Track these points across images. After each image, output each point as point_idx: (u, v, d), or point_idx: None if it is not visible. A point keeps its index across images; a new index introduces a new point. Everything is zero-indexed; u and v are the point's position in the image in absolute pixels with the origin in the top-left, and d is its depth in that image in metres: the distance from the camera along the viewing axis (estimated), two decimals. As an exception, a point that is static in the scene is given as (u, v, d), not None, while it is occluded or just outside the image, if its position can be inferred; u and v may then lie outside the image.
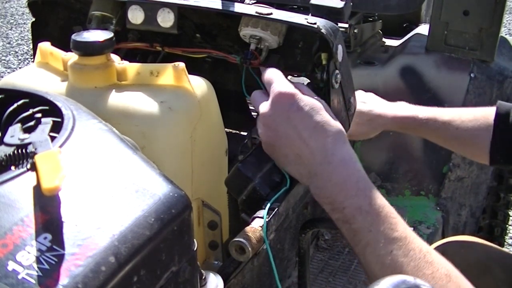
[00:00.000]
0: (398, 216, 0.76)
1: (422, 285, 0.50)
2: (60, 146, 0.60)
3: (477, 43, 1.65)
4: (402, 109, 1.21)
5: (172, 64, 0.84)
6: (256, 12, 0.95)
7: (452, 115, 1.17)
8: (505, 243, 2.12)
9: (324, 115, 0.80)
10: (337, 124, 0.81)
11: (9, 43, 4.69)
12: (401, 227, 0.74)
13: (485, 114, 1.14)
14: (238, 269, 0.89)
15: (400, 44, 1.87)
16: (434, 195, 1.75)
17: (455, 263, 0.74)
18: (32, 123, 0.66)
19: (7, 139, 0.61)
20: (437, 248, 0.92)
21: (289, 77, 0.94)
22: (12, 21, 5.22)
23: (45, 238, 0.49)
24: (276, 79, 0.83)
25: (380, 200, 0.76)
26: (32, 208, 0.52)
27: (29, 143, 0.60)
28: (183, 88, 0.85)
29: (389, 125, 1.20)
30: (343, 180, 0.77)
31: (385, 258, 0.72)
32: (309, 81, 0.86)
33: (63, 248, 0.49)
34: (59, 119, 0.66)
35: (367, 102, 1.20)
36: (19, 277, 0.46)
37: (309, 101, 0.80)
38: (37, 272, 0.47)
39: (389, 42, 1.97)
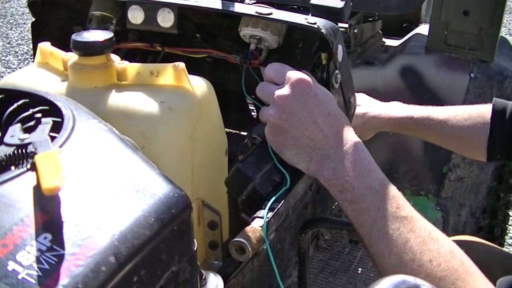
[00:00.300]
0: (405, 199, 0.79)
1: (422, 285, 0.50)
2: (60, 146, 0.60)
3: (477, 43, 1.65)
4: (397, 109, 1.21)
5: (172, 64, 0.84)
6: (256, 12, 0.95)
7: (447, 113, 1.18)
8: (505, 243, 2.12)
9: (336, 105, 0.86)
10: (345, 116, 0.87)
11: (9, 43, 4.69)
12: (408, 208, 0.78)
13: (481, 111, 1.15)
14: (238, 269, 0.89)
15: (400, 44, 1.87)
16: (434, 195, 1.75)
17: None
18: (32, 123, 0.66)
19: (7, 139, 0.61)
20: None
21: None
22: (12, 21, 5.22)
23: (45, 238, 0.50)
24: (288, 68, 0.87)
25: (389, 183, 0.80)
26: (32, 208, 0.52)
27: (29, 143, 0.60)
28: (183, 88, 0.85)
29: (384, 127, 1.21)
30: (355, 161, 0.80)
31: (392, 234, 0.75)
32: None
33: (63, 248, 0.49)
34: (59, 119, 0.66)
35: (361, 104, 1.20)
36: (19, 277, 0.46)
37: (325, 90, 0.86)
38: (37, 272, 0.47)
39: (389, 42, 1.97)
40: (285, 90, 0.84)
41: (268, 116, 0.85)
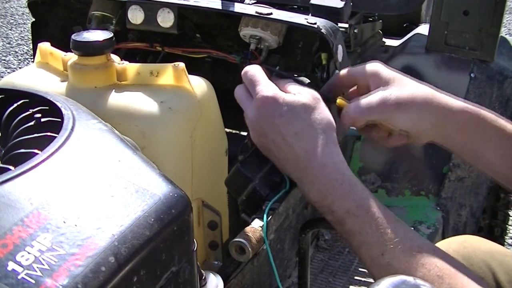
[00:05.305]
0: (388, 214, 0.75)
1: (422, 285, 0.50)
2: (60, 146, 0.60)
3: (477, 43, 1.65)
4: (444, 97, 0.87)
5: (172, 64, 0.84)
6: (256, 12, 0.95)
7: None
8: (505, 243, 2.12)
9: (307, 117, 0.78)
10: (322, 123, 0.79)
11: (9, 43, 4.69)
12: (390, 226, 0.73)
13: None
14: (238, 269, 0.89)
15: (400, 44, 1.87)
16: (434, 195, 1.75)
17: None
18: (32, 123, 0.66)
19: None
20: None
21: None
22: (12, 21, 5.22)
23: (45, 238, 0.49)
24: (258, 81, 0.81)
25: (368, 201, 0.75)
26: (32, 208, 0.52)
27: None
28: (183, 88, 0.85)
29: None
30: (326, 184, 0.76)
31: (377, 259, 0.72)
32: (309, 81, 0.87)
33: (63, 248, 0.49)
34: (59, 119, 0.66)
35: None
36: (19, 277, 0.46)
37: (292, 104, 0.78)
38: (36, 272, 0.47)
39: (389, 42, 1.96)
40: (253, 113, 0.80)
41: (251, 135, 0.84)
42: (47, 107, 0.69)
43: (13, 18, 5.30)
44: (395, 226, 0.73)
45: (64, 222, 0.51)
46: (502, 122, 0.86)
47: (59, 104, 0.68)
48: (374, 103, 0.82)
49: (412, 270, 0.70)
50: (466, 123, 0.84)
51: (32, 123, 0.66)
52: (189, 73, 0.85)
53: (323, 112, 0.80)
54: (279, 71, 0.89)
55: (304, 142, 0.78)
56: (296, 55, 1.01)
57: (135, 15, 1.02)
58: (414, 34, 1.88)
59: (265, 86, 0.79)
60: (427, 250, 0.72)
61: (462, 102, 0.86)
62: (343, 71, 0.89)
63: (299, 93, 0.80)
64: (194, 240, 0.61)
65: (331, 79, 0.91)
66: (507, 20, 4.96)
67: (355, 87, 0.89)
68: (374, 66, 0.86)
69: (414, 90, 0.84)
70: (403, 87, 0.83)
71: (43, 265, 0.47)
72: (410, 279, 0.51)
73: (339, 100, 0.86)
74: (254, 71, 0.82)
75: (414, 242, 0.72)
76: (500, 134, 0.85)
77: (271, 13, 0.95)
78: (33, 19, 1.17)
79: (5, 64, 4.25)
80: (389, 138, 0.87)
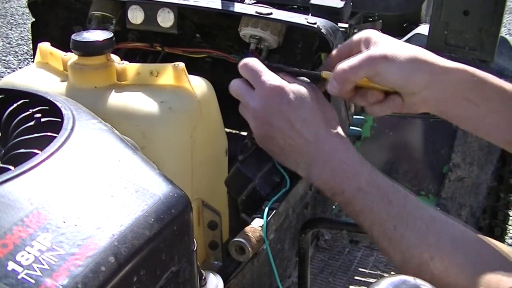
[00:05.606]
0: (398, 189, 0.77)
1: (422, 285, 0.50)
2: (60, 146, 0.60)
3: (477, 43, 1.65)
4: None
5: (172, 64, 0.84)
6: (256, 12, 0.95)
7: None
8: (505, 243, 2.12)
9: (313, 104, 0.81)
10: (326, 110, 0.82)
11: (9, 43, 4.69)
12: (400, 200, 0.75)
13: None
14: (238, 269, 0.89)
15: (400, 44, 1.87)
16: (434, 195, 1.75)
17: None
18: (32, 123, 0.66)
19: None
20: None
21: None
22: (12, 21, 5.22)
23: (45, 238, 0.49)
24: (261, 71, 0.82)
25: (378, 177, 0.77)
26: (32, 208, 0.52)
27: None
28: (183, 88, 0.85)
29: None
30: (338, 165, 0.78)
31: (390, 234, 0.73)
32: (309, 81, 0.87)
33: (63, 248, 0.49)
34: (59, 119, 0.66)
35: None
36: (19, 277, 0.46)
37: (298, 92, 0.81)
38: (36, 272, 0.47)
39: (389, 42, 1.96)
40: (258, 103, 0.81)
41: (251, 127, 0.85)
42: (47, 107, 0.69)
43: (13, 18, 5.30)
44: (405, 199, 0.75)
45: (64, 222, 0.51)
46: (503, 82, 0.83)
47: (59, 104, 0.68)
48: (360, 59, 0.80)
49: (425, 239, 0.71)
50: (463, 82, 0.80)
51: (32, 123, 0.66)
52: (189, 73, 0.85)
53: (324, 99, 0.84)
54: (277, 65, 0.89)
55: (312, 126, 0.80)
56: (296, 55, 1.01)
57: (135, 15, 1.02)
58: (414, 34, 1.88)
59: (270, 76, 0.81)
60: (439, 219, 0.74)
61: (455, 62, 0.83)
62: (340, 45, 0.89)
63: (300, 83, 0.83)
64: (194, 240, 0.61)
65: (329, 57, 0.90)
66: (507, 20, 4.96)
67: None
68: (366, 33, 0.85)
69: (403, 46, 0.82)
70: (393, 45, 0.82)
71: (43, 265, 0.47)
72: (410, 279, 0.51)
73: (324, 73, 0.84)
74: (254, 62, 0.83)
75: (425, 212, 0.74)
76: (501, 94, 0.81)
77: (271, 13, 0.95)
78: (33, 19, 1.17)
79: (5, 64, 4.25)
80: (384, 102, 0.83)
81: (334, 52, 0.88)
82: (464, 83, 0.81)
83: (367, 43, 0.83)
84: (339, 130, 0.82)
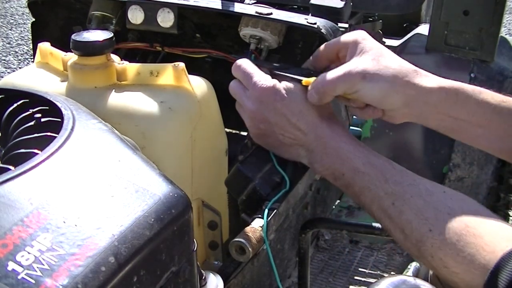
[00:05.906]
0: (394, 167, 0.78)
1: (422, 285, 0.50)
2: (60, 146, 0.60)
3: (477, 43, 1.65)
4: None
5: (172, 64, 0.84)
6: (256, 12, 0.95)
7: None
8: (505, 243, 2.11)
9: (305, 96, 0.83)
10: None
11: (9, 43, 4.69)
12: (397, 177, 0.76)
13: None
14: (238, 269, 0.89)
15: (400, 44, 1.87)
16: (434, 195, 1.75)
17: None
18: (32, 123, 0.66)
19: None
20: None
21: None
22: (12, 21, 5.22)
23: (45, 238, 0.49)
24: (253, 72, 0.84)
25: (374, 158, 0.79)
26: (32, 208, 0.52)
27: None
28: (183, 88, 0.85)
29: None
30: (336, 149, 0.81)
31: (389, 210, 0.75)
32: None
33: (63, 248, 0.49)
34: (59, 119, 0.66)
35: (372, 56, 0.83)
36: (19, 277, 0.46)
37: (289, 88, 0.83)
38: (36, 272, 0.47)
39: (389, 42, 1.96)
40: (252, 103, 0.84)
41: (247, 125, 0.87)
42: (47, 107, 0.69)
43: (13, 18, 5.30)
44: (401, 175, 0.77)
45: (64, 222, 0.51)
46: (488, 95, 0.84)
47: (59, 104, 0.68)
48: (338, 75, 0.80)
49: (423, 213, 0.72)
50: (443, 102, 0.82)
51: (32, 123, 0.66)
52: (189, 73, 0.85)
53: None
54: (268, 63, 0.89)
55: (308, 118, 0.83)
56: (296, 55, 1.01)
57: (135, 15, 1.02)
58: (414, 34, 1.88)
59: (261, 76, 0.84)
60: (437, 192, 0.75)
61: (439, 80, 0.83)
62: (326, 43, 0.89)
63: (289, 81, 0.85)
64: (194, 240, 0.61)
65: (314, 53, 0.90)
66: (507, 20, 4.96)
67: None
68: (354, 35, 0.84)
69: (386, 63, 0.81)
70: (377, 59, 0.81)
71: (43, 265, 0.47)
72: (410, 279, 0.51)
73: (305, 80, 0.84)
74: (245, 64, 0.85)
75: (422, 187, 0.75)
76: (483, 107, 0.83)
77: (271, 13, 0.95)
78: (33, 19, 1.17)
79: (5, 64, 4.25)
80: (364, 110, 0.85)
81: (322, 47, 0.88)
82: (446, 102, 0.82)
83: (353, 48, 0.83)
84: (333, 117, 0.85)
